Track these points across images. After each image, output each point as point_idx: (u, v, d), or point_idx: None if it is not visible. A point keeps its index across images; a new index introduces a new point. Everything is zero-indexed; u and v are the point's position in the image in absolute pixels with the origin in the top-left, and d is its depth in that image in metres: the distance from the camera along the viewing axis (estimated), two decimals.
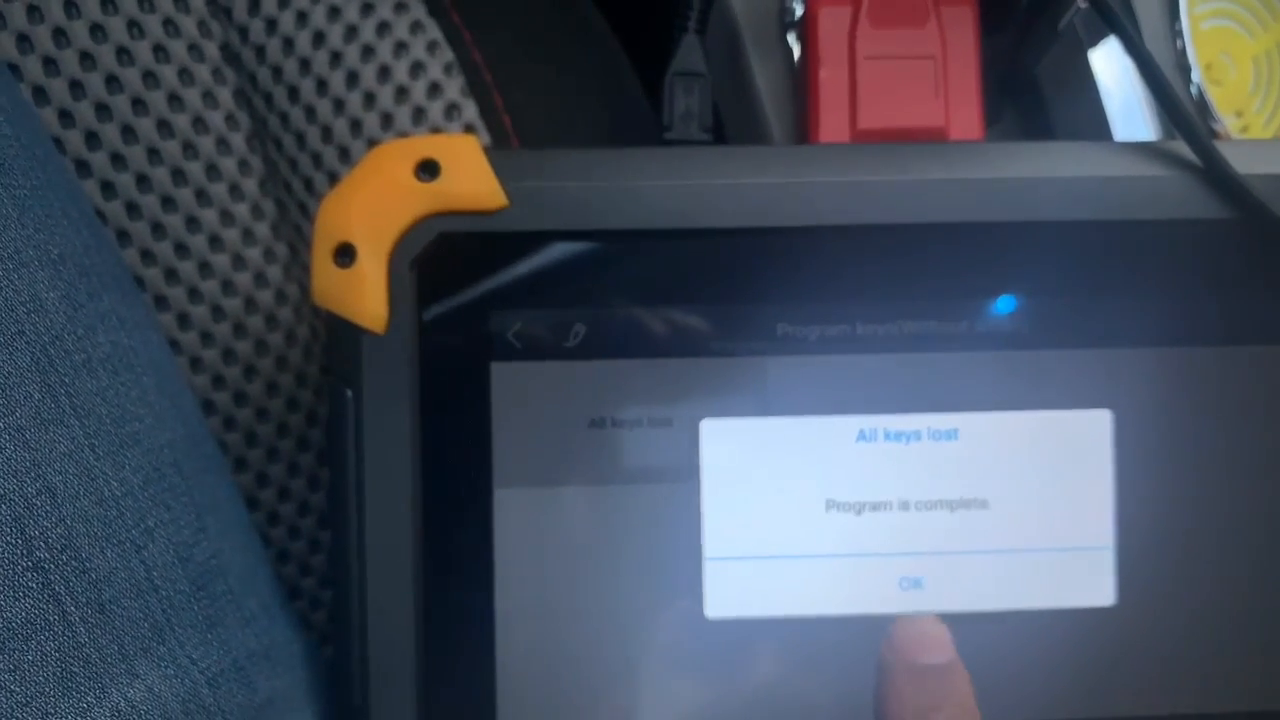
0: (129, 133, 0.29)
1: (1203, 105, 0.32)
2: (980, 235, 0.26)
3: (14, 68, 0.28)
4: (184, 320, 0.30)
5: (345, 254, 0.25)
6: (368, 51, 0.30)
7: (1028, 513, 0.26)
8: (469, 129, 0.31)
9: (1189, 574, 0.26)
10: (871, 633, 0.25)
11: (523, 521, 0.26)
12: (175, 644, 0.23)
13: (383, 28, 0.31)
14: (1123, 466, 0.26)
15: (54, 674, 0.21)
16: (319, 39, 0.30)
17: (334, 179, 0.30)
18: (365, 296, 0.25)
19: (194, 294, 0.30)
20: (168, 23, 0.30)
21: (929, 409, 0.26)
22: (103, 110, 0.29)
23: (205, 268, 0.30)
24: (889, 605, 0.26)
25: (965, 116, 0.28)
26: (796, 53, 0.32)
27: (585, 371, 0.26)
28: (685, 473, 0.26)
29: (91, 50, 0.29)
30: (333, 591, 0.26)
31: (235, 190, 0.30)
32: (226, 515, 0.26)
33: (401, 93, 0.30)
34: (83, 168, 0.29)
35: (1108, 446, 0.26)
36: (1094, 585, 0.26)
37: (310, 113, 0.31)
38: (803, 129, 0.30)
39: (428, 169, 0.25)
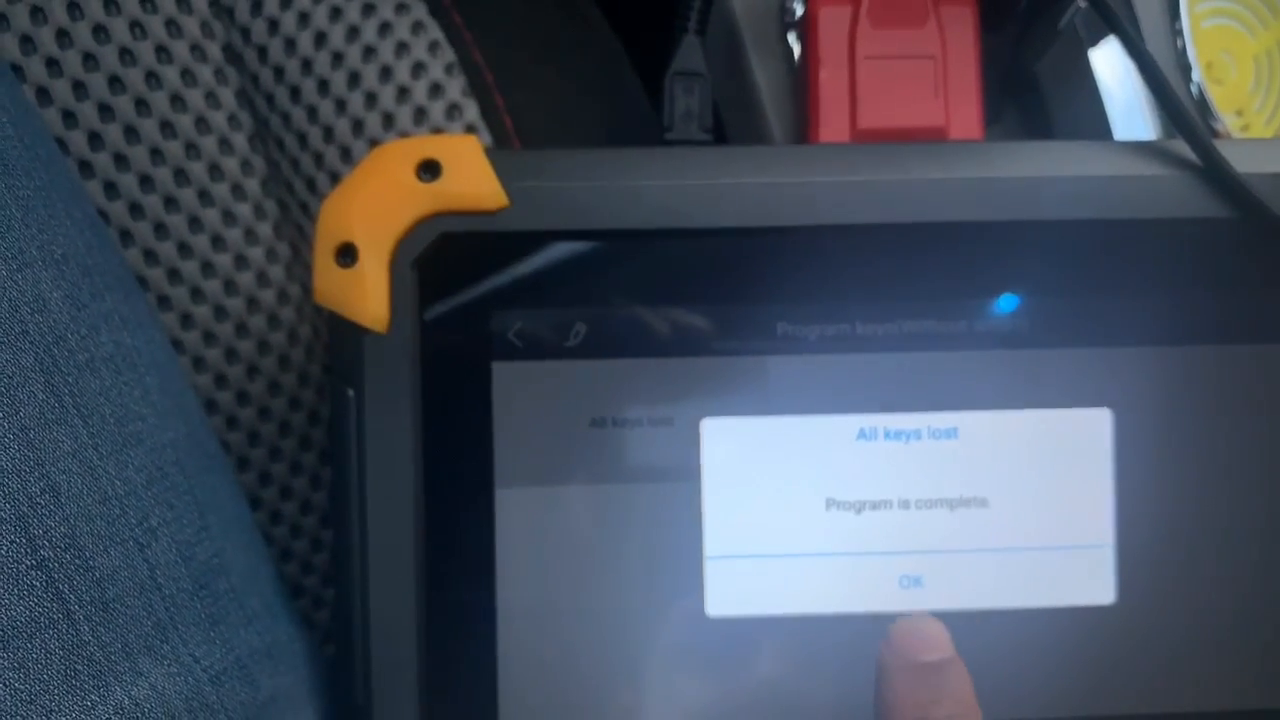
0: (131, 133, 0.29)
1: (1203, 104, 0.32)
2: (980, 234, 0.26)
3: (17, 69, 0.28)
4: (187, 320, 0.30)
5: (347, 254, 0.25)
6: (369, 52, 0.30)
7: (1027, 511, 0.26)
8: (470, 129, 0.31)
9: (1189, 572, 0.26)
10: (871, 631, 0.25)
11: (524, 520, 0.26)
12: (178, 642, 0.23)
13: (384, 28, 0.31)
14: (1122, 465, 0.26)
15: (58, 672, 0.21)
16: (321, 39, 0.31)
17: (336, 179, 0.31)
18: (367, 296, 0.25)
19: (197, 294, 0.30)
20: (170, 23, 0.30)
21: (929, 408, 0.26)
22: (105, 111, 0.29)
23: (208, 267, 0.30)
24: (889, 604, 0.26)
25: (965, 116, 0.29)
26: (797, 53, 0.32)
27: (586, 371, 0.26)
28: (686, 472, 0.26)
29: (94, 51, 0.29)
30: (335, 590, 0.26)
31: (238, 190, 0.30)
32: (229, 514, 0.26)
33: (403, 93, 0.30)
34: (85, 168, 0.29)
35: (1108, 445, 0.26)
36: (1094, 584, 0.26)
37: (312, 113, 0.31)
38: (803, 129, 0.30)
39: (429, 169, 0.25)
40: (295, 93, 0.31)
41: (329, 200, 0.26)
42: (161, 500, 0.23)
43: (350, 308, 0.25)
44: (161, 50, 0.30)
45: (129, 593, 0.22)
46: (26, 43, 0.28)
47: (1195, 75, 0.32)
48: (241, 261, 0.30)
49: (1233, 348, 0.26)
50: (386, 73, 0.30)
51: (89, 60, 0.29)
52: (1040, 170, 0.26)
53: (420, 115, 0.30)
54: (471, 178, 0.25)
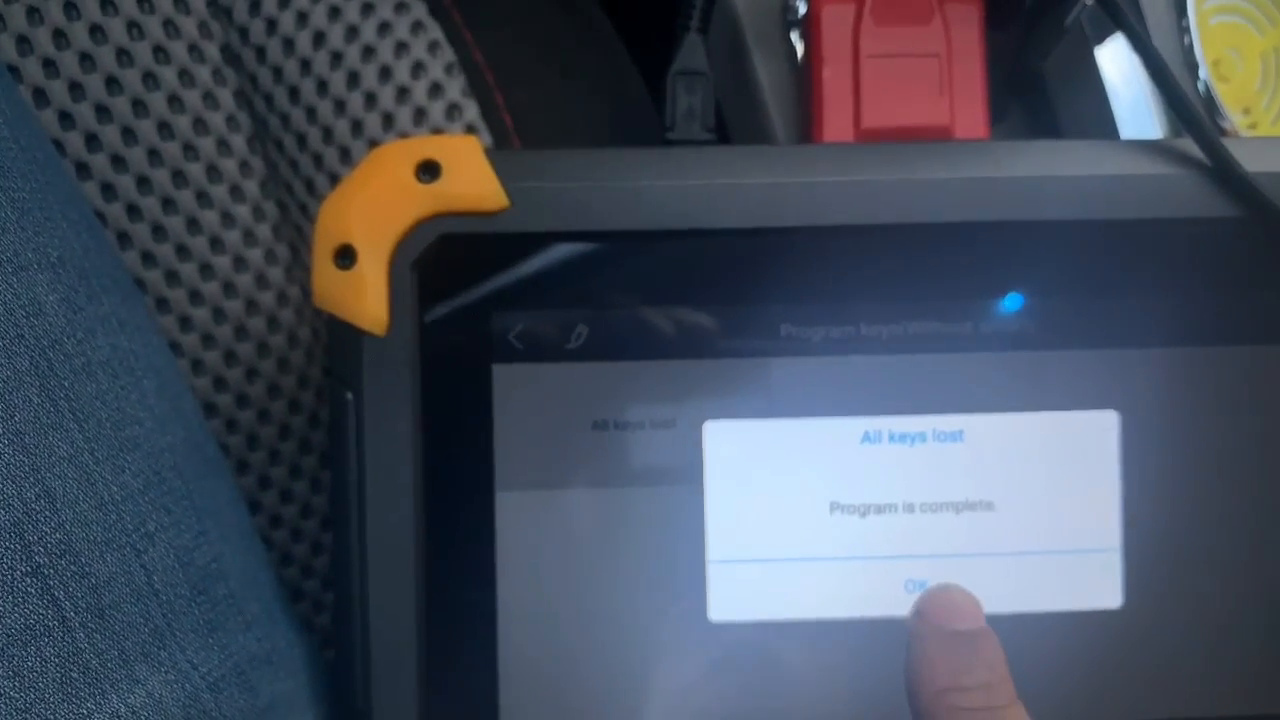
0: (129, 134, 0.29)
1: (1210, 102, 0.32)
2: (986, 235, 0.26)
3: (14, 70, 0.28)
4: (185, 323, 0.30)
5: (346, 256, 0.25)
6: (368, 52, 0.30)
7: (1034, 514, 0.26)
8: (470, 129, 0.30)
9: (1196, 575, 0.26)
10: (876, 636, 0.25)
11: (525, 524, 0.25)
12: (176, 649, 0.23)
13: (384, 28, 0.30)
14: (1129, 467, 0.26)
15: (54, 680, 0.21)
16: (319, 39, 0.30)
17: (335, 180, 0.30)
18: (366, 298, 0.25)
19: (195, 296, 0.30)
20: (168, 24, 0.30)
21: (934, 410, 0.26)
22: (103, 112, 0.29)
23: (206, 270, 0.30)
24: (894, 608, 0.26)
25: (970, 115, 0.28)
26: (800, 51, 0.32)
27: (587, 373, 0.26)
28: (689, 475, 0.26)
29: (91, 52, 0.29)
30: (335, 594, 0.26)
31: (236, 192, 0.30)
32: (227, 519, 0.26)
33: (403, 93, 0.30)
34: (83, 170, 0.29)
35: (1114, 447, 0.26)
36: (1101, 587, 0.26)
37: (311, 113, 0.30)
38: (806, 128, 0.30)
39: (429, 170, 0.25)
40: (294, 93, 0.30)
41: (328, 201, 0.25)
42: (159, 505, 0.23)
43: (349, 310, 0.25)
44: (159, 51, 0.29)
45: (126, 599, 0.22)
46: (23, 43, 0.28)
47: (1202, 73, 0.32)
48: (240, 263, 0.30)
49: (1240, 349, 0.26)
50: (386, 73, 0.30)
51: (86, 61, 0.29)
52: (1047, 170, 0.26)
53: (420, 115, 0.30)
54: (471, 178, 0.25)
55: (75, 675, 0.21)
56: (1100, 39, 0.32)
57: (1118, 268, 0.26)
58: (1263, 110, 0.33)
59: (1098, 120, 0.32)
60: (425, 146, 0.25)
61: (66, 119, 0.29)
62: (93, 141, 0.29)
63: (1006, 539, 0.26)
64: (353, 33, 0.30)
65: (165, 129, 0.29)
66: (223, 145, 0.30)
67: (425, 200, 0.25)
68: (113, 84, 0.29)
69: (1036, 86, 0.33)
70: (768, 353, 0.26)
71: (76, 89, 0.29)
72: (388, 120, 0.30)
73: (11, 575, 0.20)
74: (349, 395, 0.25)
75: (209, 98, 0.30)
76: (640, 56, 0.34)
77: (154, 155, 0.29)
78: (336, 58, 0.30)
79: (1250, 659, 0.26)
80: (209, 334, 0.30)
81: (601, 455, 0.25)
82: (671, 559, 0.26)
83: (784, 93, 0.32)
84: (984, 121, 0.28)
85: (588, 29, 0.34)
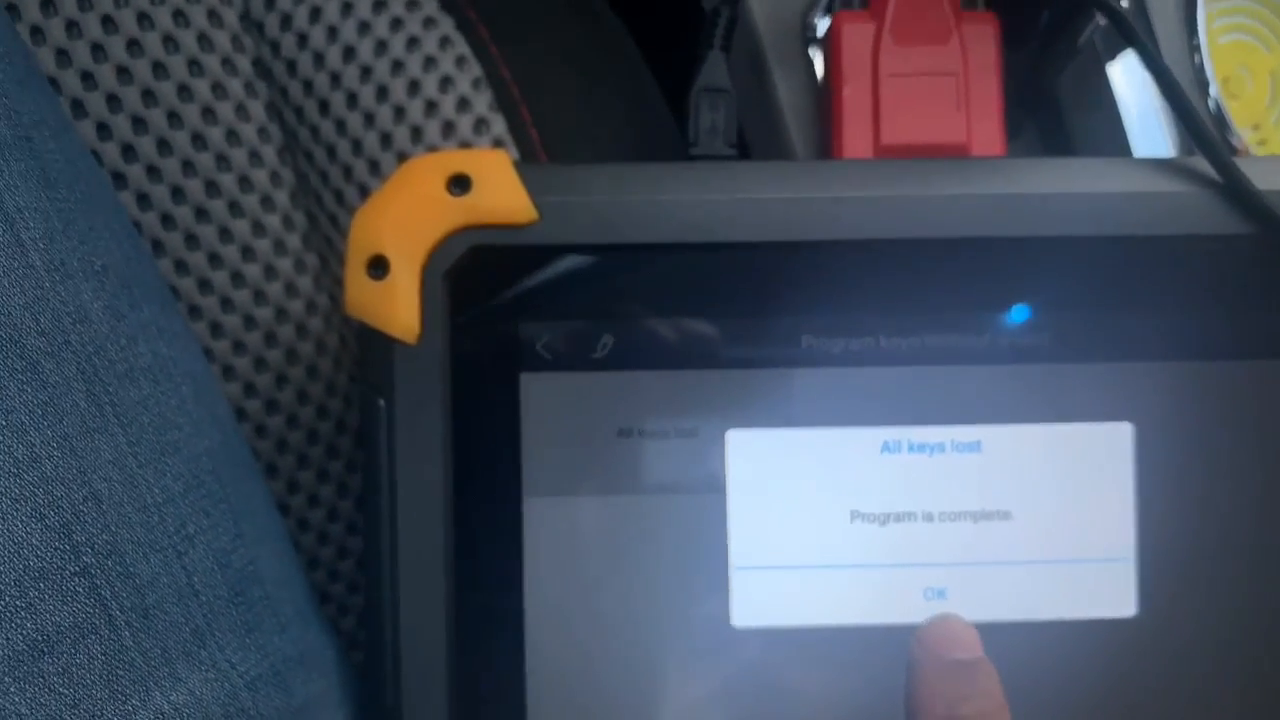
0: (164, 145, 0.30)
1: (1220, 119, 0.32)
2: (1003, 250, 0.26)
3: (53, 82, 0.29)
4: (216, 329, 0.30)
5: (379, 266, 0.25)
6: (397, 66, 0.31)
7: (1050, 524, 0.26)
8: (498, 143, 0.31)
9: (1210, 586, 0.27)
10: (895, 642, 0.25)
11: (552, 529, 0.26)
12: (215, 648, 0.23)
13: (412, 42, 0.31)
14: (1144, 479, 0.26)
15: (100, 677, 0.21)
16: (349, 54, 0.31)
17: (364, 191, 0.31)
18: (398, 308, 0.25)
19: (226, 303, 0.30)
20: (202, 37, 0.30)
21: (952, 421, 0.26)
22: (139, 123, 0.29)
23: (237, 278, 0.31)
24: (913, 615, 0.26)
25: (987, 132, 0.29)
26: (820, 69, 0.32)
27: (613, 382, 0.26)
28: (712, 483, 0.26)
29: (128, 64, 0.29)
30: (365, 596, 0.27)
31: (267, 202, 0.31)
32: (262, 522, 0.26)
33: (431, 107, 0.31)
34: (119, 179, 0.29)
35: (1129, 459, 0.26)
36: (1116, 596, 0.26)
37: (341, 126, 0.31)
38: (826, 144, 0.31)
39: (459, 183, 0.26)
40: (324, 106, 0.31)
41: (361, 213, 0.26)
42: (198, 508, 0.24)
43: (382, 319, 0.25)
44: (193, 64, 0.30)
45: (168, 599, 0.23)
46: (62, 56, 0.29)
47: (1212, 91, 0.32)
48: (270, 272, 0.31)
49: (1253, 363, 0.27)
50: (414, 86, 0.31)
51: (122, 73, 0.29)
52: (1062, 186, 0.26)
53: (448, 129, 0.31)
54: (501, 192, 0.25)
55: (121, 673, 0.22)
56: (1112, 57, 0.32)
57: (1132, 283, 0.26)
58: (1272, 126, 0.33)
59: (1110, 136, 0.32)
60: (456, 160, 0.26)
61: (104, 130, 0.29)
62: (129, 152, 0.29)
63: (1023, 548, 0.26)
64: (382, 47, 0.31)
65: (199, 140, 0.30)
66: (254, 156, 0.31)
67: (456, 213, 0.25)
68: (148, 96, 0.29)
69: (1050, 104, 0.34)
70: (789, 363, 0.26)
71: (113, 100, 0.29)
72: (416, 133, 0.31)
73: (61, 575, 0.21)
74: (381, 402, 0.26)
75: (241, 110, 0.31)
76: (663, 74, 0.35)
77: (188, 165, 0.30)
78: (366, 72, 0.31)
79: (1262, 669, 0.27)
80: (239, 340, 0.31)
81: (627, 463, 0.26)
82: (695, 565, 0.26)
83: (804, 110, 0.32)
84: (1000, 139, 0.29)
85: (612, 46, 0.35)
